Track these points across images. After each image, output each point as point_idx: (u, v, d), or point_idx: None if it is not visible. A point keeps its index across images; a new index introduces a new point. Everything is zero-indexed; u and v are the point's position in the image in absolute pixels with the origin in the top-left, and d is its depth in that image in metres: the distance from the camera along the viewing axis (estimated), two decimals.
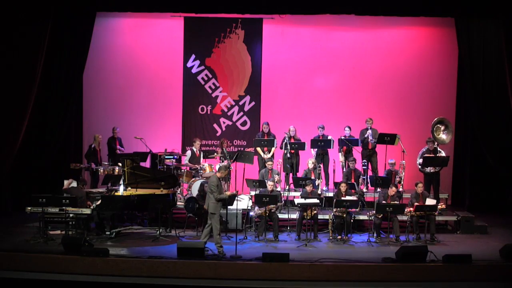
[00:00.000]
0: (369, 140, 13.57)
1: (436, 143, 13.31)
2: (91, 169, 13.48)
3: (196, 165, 13.43)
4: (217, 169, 11.64)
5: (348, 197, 11.84)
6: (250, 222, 12.15)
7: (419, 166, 13.35)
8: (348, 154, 13.53)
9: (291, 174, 13.37)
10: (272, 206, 11.59)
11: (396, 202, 11.82)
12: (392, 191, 11.95)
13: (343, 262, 9.93)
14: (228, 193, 11.18)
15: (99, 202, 11.57)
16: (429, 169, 13.23)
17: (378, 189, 12.41)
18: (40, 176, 13.52)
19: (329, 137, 13.42)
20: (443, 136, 13.45)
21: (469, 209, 13.57)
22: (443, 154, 13.27)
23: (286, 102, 15.15)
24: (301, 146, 13.29)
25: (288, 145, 13.12)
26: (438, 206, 12.13)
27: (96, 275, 9.65)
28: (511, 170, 13.25)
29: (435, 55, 14.90)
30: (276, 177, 12.77)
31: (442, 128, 13.45)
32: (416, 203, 11.80)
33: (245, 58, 14.92)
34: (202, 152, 13.78)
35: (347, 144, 13.47)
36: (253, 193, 12.65)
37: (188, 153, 13.65)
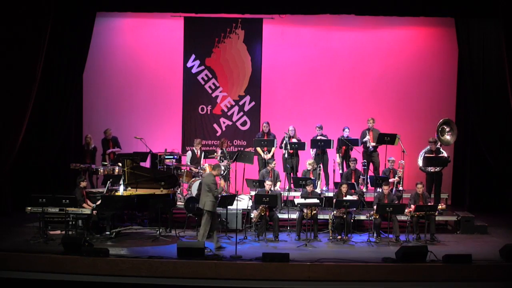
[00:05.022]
0: (367, 146, 13.54)
1: (439, 143, 13.27)
2: (91, 169, 13.48)
3: (197, 166, 13.40)
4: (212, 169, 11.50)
5: (348, 197, 11.85)
6: (250, 222, 12.15)
7: (420, 165, 13.32)
8: (346, 155, 13.51)
9: (291, 174, 13.36)
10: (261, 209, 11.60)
11: (394, 199, 11.84)
12: (385, 189, 11.95)
13: (343, 262, 9.92)
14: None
15: (99, 202, 11.56)
16: (430, 169, 13.21)
17: (378, 189, 12.42)
18: (40, 176, 13.53)
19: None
20: (447, 137, 13.40)
21: (469, 209, 13.57)
22: (445, 154, 13.22)
23: (286, 102, 15.14)
24: (301, 146, 13.29)
25: (288, 145, 13.12)
26: (438, 206, 12.14)
27: (96, 275, 9.65)
28: (511, 170, 13.25)
29: (435, 55, 14.89)
30: (278, 184, 12.82)
31: (447, 129, 13.41)
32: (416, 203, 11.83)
33: (245, 58, 14.91)
34: (202, 153, 13.75)
35: (346, 144, 13.46)
36: (253, 193, 12.65)
37: (189, 153, 13.61)
